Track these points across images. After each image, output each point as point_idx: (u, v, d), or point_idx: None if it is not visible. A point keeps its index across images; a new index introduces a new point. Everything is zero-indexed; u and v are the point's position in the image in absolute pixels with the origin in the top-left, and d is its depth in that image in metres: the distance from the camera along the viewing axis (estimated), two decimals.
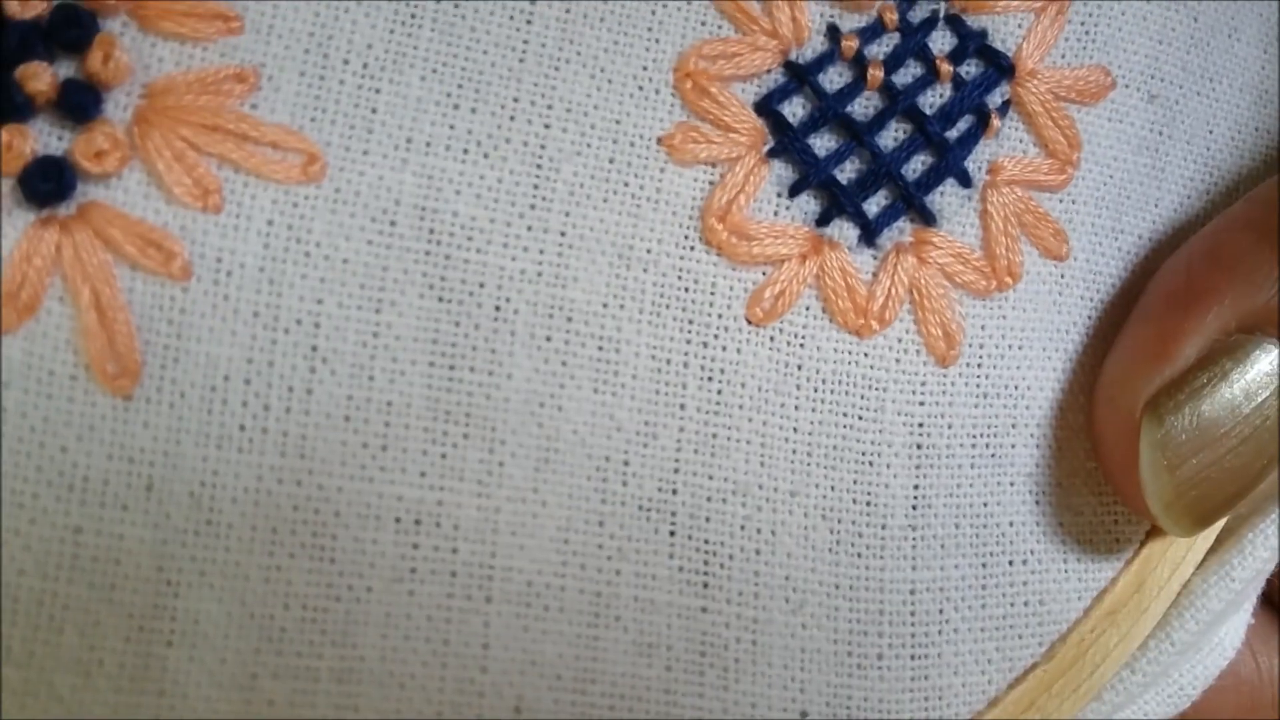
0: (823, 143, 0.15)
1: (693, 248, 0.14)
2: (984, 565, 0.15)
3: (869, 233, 0.15)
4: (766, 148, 0.15)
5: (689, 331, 0.14)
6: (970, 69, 0.15)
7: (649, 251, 0.14)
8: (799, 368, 0.14)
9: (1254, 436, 0.14)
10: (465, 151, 0.14)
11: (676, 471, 0.14)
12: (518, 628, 0.13)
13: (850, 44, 0.15)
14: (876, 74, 0.15)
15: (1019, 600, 0.15)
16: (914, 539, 0.15)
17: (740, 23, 0.15)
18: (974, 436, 0.15)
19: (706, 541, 0.14)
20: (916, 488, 0.15)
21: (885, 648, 0.14)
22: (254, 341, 0.13)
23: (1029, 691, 0.15)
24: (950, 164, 0.15)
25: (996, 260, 0.15)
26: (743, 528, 0.14)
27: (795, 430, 0.14)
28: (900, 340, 0.15)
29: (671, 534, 0.14)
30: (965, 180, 0.15)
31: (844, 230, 0.15)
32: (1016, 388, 0.15)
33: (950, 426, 0.15)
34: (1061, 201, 0.16)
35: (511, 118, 0.14)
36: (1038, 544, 0.15)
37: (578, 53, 0.14)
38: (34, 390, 0.12)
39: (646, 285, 0.14)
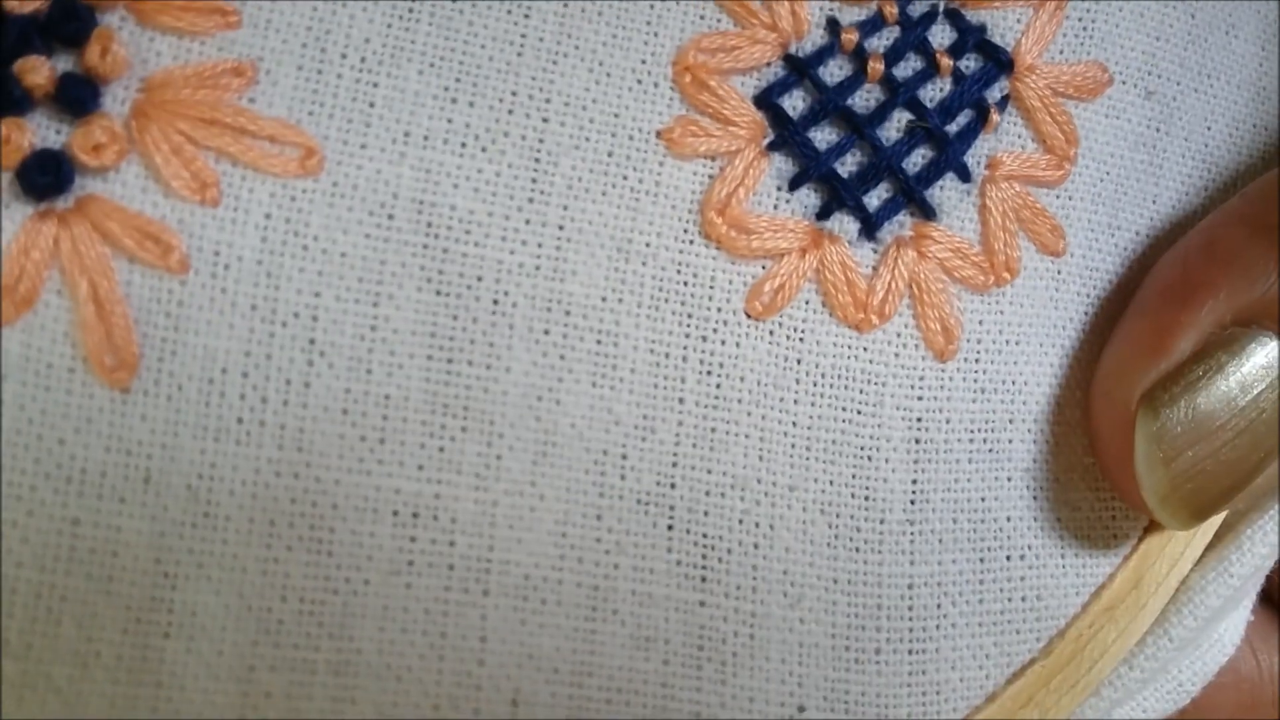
0: (823, 136, 0.15)
1: (692, 241, 0.14)
2: (982, 560, 0.15)
3: (869, 226, 0.15)
4: (766, 141, 0.15)
5: (688, 325, 0.14)
6: (969, 64, 0.15)
7: (648, 245, 0.14)
8: (798, 362, 0.14)
9: (1250, 429, 0.14)
10: (463, 145, 0.14)
11: (675, 465, 0.14)
12: (515, 621, 0.13)
13: (850, 37, 0.15)
14: (877, 67, 0.15)
15: (1016, 595, 0.15)
16: (912, 534, 0.15)
17: (739, 16, 0.15)
18: (972, 431, 0.15)
19: (705, 535, 0.14)
20: (915, 482, 0.15)
21: (883, 642, 0.14)
22: (252, 334, 0.13)
23: (1027, 687, 0.15)
24: (950, 158, 0.15)
25: (995, 255, 0.15)
26: (741, 522, 0.14)
27: (794, 425, 0.14)
28: (899, 335, 0.15)
29: (670, 528, 0.14)
30: (964, 175, 0.15)
31: (844, 224, 0.15)
32: (1014, 383, 0.15)
33: (948, 421, 0.15)
34: (1059, 197, 0.16)
35: (510, 111, 0.14)
36: (1035, 539, 0.15)
37: (576, 46, 0.14)
38: (32, 383, 0.12)
39: (645, 279, 0.14)
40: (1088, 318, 0.16)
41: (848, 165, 0.15)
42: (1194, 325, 0.14)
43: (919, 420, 0.15)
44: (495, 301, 0.14)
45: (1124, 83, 0.16)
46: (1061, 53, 0.16)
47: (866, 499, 0.14)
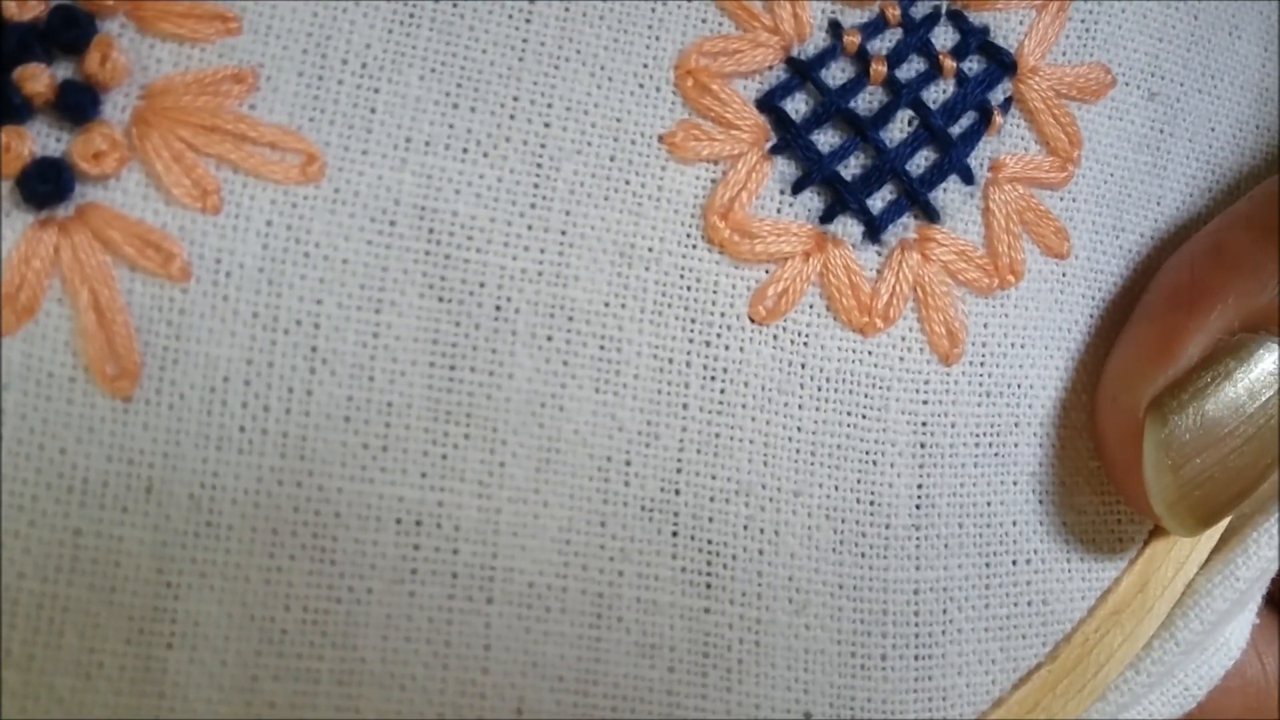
0: (826, 139, 0.15)
1: (695, 246, 0.14)
2: (988, 565, 0.15)
3: (873, 229, 0.15)
4: (769, 144, 0.15)
5: (691, 330, 0.14)
6: (972, 65, 0.15)
7: (650, 250, 0.14)
8: (802, 366, 0.14)
9: (1258, 435, 0.14)
10: (465, 151, 0.14)
11: (679, 471, 0.14)
12: (519, 629, 0.13)
13: (852, 39, 0.15)
14: (880, 69, 0.15)
15: (1023, 600, 0.15)
16: (918, 539, 0.15)
17: (741, 19, 0.15)
18: (977, 435, 0.15)
19: (709, 542, 0.14)
20: (920, 487, 0.15)
21: (889, 648, 0.14)
22: (254, 342, 0.13)
23: (1033, 692, 0.15)
24: (954, 160, 0.15)
25: (999, 258, 0.15)
26: (746, 528, 0.14)
27: (799, 429, 0.14)
28: (904, 338, 0.15)
29: (674, 534, 0.14)
30: (968, 177, 0.15)
31: (848, 227, 0.15)
32: (1019, 386, 0.15)
33: (954, 425, 0.15)
34: (1062, 199, 0.16)
35: (511, 116, 0.14)
36: (1041, 543, 0.15)
37: (577, 51, 0.14)
38: (33, 392, 0.12)
39: (648, 284, 0.14)
40: (1093, 320, 0.16)
41: (851, 168, 0.15)
42: (1202, 330, 0.14)
43: (924, 424, 0.15)
44: (498, 308, 0.13)
45: (1127, 84, 0.16)
46: (1064, 54, 0.16)
47: (872, 504, 0.14)
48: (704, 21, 0.15)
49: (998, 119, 0.15)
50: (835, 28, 0.15)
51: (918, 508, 0.15)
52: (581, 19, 0.14)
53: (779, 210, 0.14)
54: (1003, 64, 0.15)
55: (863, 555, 0.14)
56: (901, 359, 0.15)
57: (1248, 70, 0.17)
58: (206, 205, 0.13)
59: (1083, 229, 0.16)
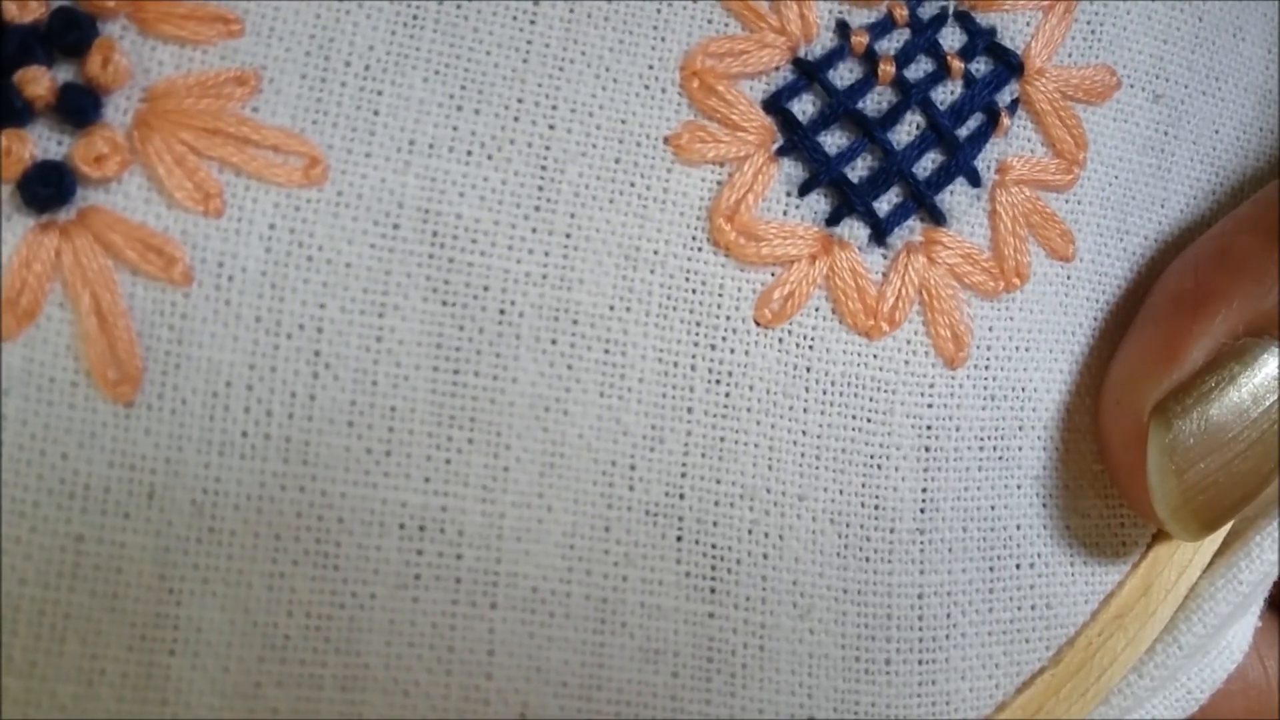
0: (833, 140, 0.15)
1: (700, 249, 0.14)
2: (991, 569, 0.15)
3: (879, 232, 0.15)
4: (775, 146, 0.14)
5: (696, 334, 0.14)
6: (979, 67, 0.15)
7: (655, 253, 0.14)
8: (808, 370, 0.14)
9: (1262, 440, 0.14)
10: (469, 153, 0.14)
11: (684, 476, 0.14)
12: (523, 634, 0.13)
13: (860, 39, 0.15)
14: (888, 69, 0.15)
15: (1026, 604, 0.15)
16: (922, 543, 0.15)
17: (747, 20, 0.15)
18: (981, 439, 0.15)
19: (714, 546, 0.14)
20: (925, 491, 0.15)
21: (893, 652, 0.14)
22: (256, 347, 0.13)
23: (1036, 696, 0.15)
24: (961, 162, 0.15)
25: (1005, 261, 0.15)
26: (750, 532, 0.14)
27: (804, 433, 0.14)
28: (909, 342, 0.15)
29: (678, 539, 0.14)
30: (975, 179, 0.15)
31: (854, 230, 0.15)
32: (1024, 390, 0.15)
33: (958, 429, 0.15)
34: (1067, 202, 0.16)
35: (515, 119, 0.14)
36: (1045, 547, 0.15)
37: (582, 52, 0.14)
38: (34, 397, 0.12)
39: (653, 287, 0.14)
40: (1097, 323, 0.16)
41: (858, 170, 0.15)
42: (1206, 335, 0.14)
43: (929, 428, 0.15)
44: (502, 311, 0.13)
45: (1132, 86, 0.16)
46: (1070, 56, 0.16)
47: (876, 508, 0.14)
48: (710, 22, 0.15)
49: (1005, 121, 0.15)
50: (843, 28, 0.15)
51: (922, 511, 0.15)
52: (586, 20, 0.14)
53: (785, 212, 0.14)
54: (1010, 65, 0.15)
55: (867, 559, 0.14)
56: (907, 362, 0.15)
57: (1252, 73, 0.17)
58: (209, 209, 0.13)
59: (1087, 232, 0.16)
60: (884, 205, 0.15)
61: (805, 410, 0.14)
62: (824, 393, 0.14)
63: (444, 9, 0.14)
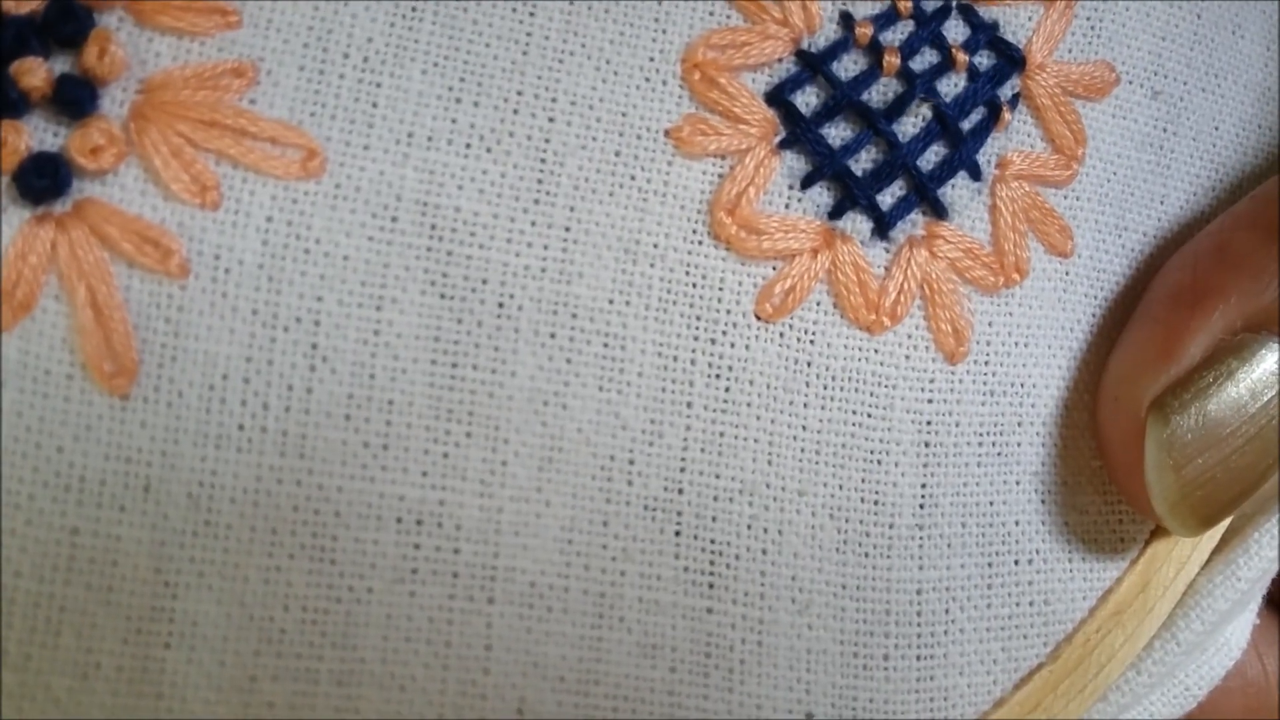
0: (836, 133, 0.15)
1: (701, 242, 0.14)
2: (990, 565, 0.15)
3: (882, 226, 0.15)
4: (778, 139, 0.14)
5: (696, 328, 0.14)
6: (982, 60, 0.15)
7: (656, 246, 0.14)
8: (808, 365, 0.14)
9: (1260, 435, 0.14)
10: (468, 146, 0.14)
11: (683, 470, 0.14)
12: (520, 629, 0.13)
13: (865, 31, 0.15)
14: (893, 60, 0.15)
15: (1024, 600, 0.15)
16: (921, 538, 0.14)
17: (750, 12, 0.15)
18: (981, 435, 0.15)
19: (712, 541, 0.14)
20: (924, 486, 0.15)
21: (891, 648, 0.14)
22: (253, 340, 0.13)
23: (1035, 692, 0.15)
24: (963, 156, 0.15)
25: (1005, 256, 0.15)
26: (749, 527, 0.14)
27: (804, 428, 0.14)
28: (910, 337, 0.15)
29: (677, 534, 0.14)
30: (976, 173, 0.15)
31: (857, 223, 0.15)
32: (1023, 385, 0.15)
33: (958, 424, 0.15)
34: (1066, 197, 0.16)
35: (515, 111, 0.14)
36: (1043, 543, 0.15)
37: (582, 44, 0.14)
38: (30, 389, 0.12)
39: (653, 281, 0.14)
40: (1095, 319, 0.16)
41: (861, 163, 0.15)
42: (1204, 330, 0.14)
43: (929, 423, 0.15)
44: (500, 305, 0.13)
45: (1131, 82, 0.16)
46: (1070, 52, 0.16)
47: (876, 503, 0.14)
48: (711, 14, 0.14)
49: (1006, 115, 0.15)
50: (846, 20, 0.15)
51: (921, 507, 0.15)
52: (586, 12, 0.14)
53: (787, 206, 0.14)
54: (1012, 60, 0.15)
55: (866, 555, 0.14)
56: (907, 358, 0.15)
57: (1251, 69, 0.17)
58: (205, 201, 0.13)
59: (1086, 227, 0.16)
60: (887, 198, 0.15)
61: (805, 405, 0.14)
62: (824, 388, 0.14)
63: (443, 1, 0.14)
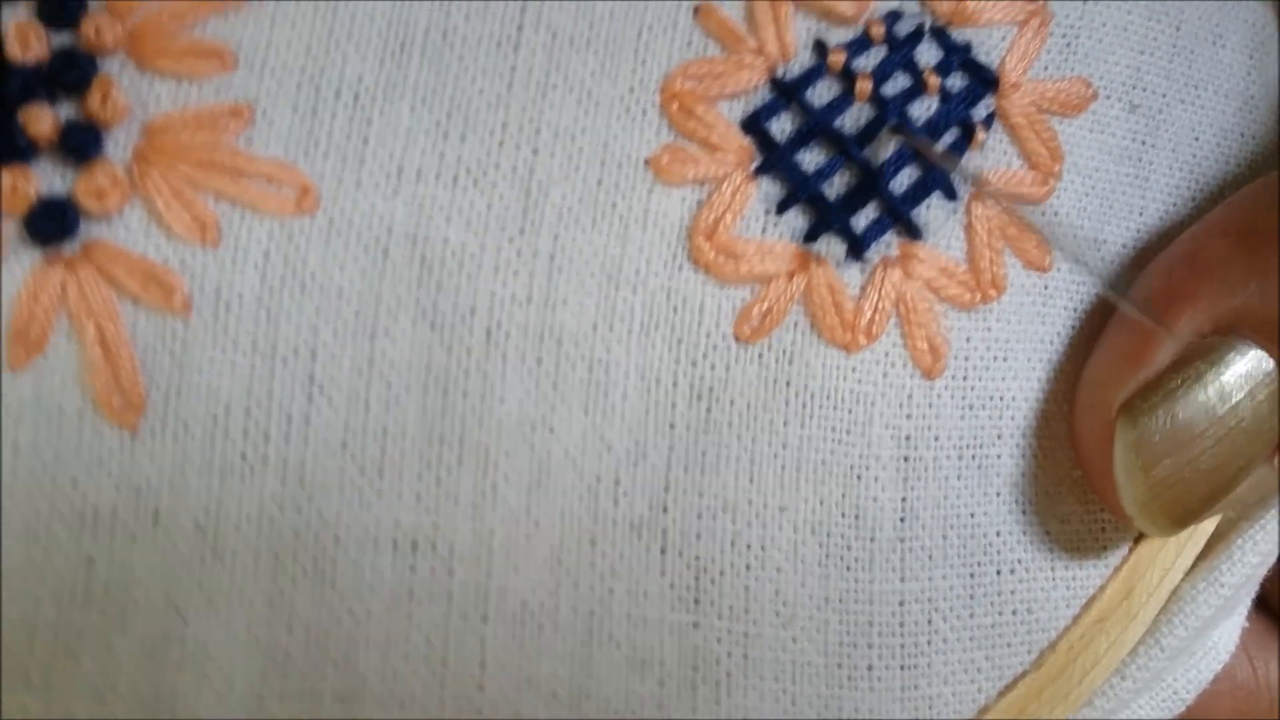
0: (811, 158, 0.15)
1: (681, 268, 0.14)
2: (972, 575, 0.15)
3: (856, 248, 0.15)
4: (754, 165, 0.15)
5: (678, 351, 0.14)
6: (955, 82, 0.16)
7: (637, 273, 0.14)
8: (787, 384, 0.15)
9: (1228, 438, 0.14)
10: (455, 179, 0.14)
11: (667, 490, 0.14)
12: (514, 647, 0.14)
13: (838, 58, 0.15)
14: (865, 85, 0.15)
15: (1007, 609, 0.15)
16: (902, 551, 0.15)
17: (726, 42, 0.15)
18: (960, 448, 0.15)
19: (697, 558, 0.14)
20: (904, 500, 0.15)
21: (875, 659, 0.15)
22: (253, 372, 0.13)
23: (1019, 699, 0.15)
24: (937, 177, 0.15)
25: (981, 273, 0.15)
26: (732, 544, 0.14)
27: (784, 446, 0.14)
28: (887, 354, 0.15)
29: (663, 551, 0.14)
30: (951, 193, 0.15)
31: (831, 246, 0.15)
32: (1002, 398, 0.15)
33: (937, 439, 0.15)
34: (1044, 214, 0.16)
35: (500, 144, 0.14)
36: (1025, 553, 0.16)
37: (565, 78, 0.14)
38: (45, 426, 0.13)
39: (635, 306, 0.14)
40: (1074, 332, 0.16)
41: (835, 187, 0.15)
42: (1173, 335, 0.14)
43: (908, 438, 0.15)
44: (489, 333, 0.14)
45: (1108, 97, 0.16)
46: (1046, 69, 0.16)
47: (856, 518, 0.15)
48: (689, 45, 0.15)
49: (980, 135, 0.15)
50: (820, 47, 0.15)
51: (902, 520, 0.15)
52: (569, 46, 0.14)
53: (764, 230, 0.15)
54: (985, 81, 0.16)
55: (848, 568, 0.15)
56: (885, 375, 0.15)
57: (1232, 79, 0.17)
58: (206, 239, 0.13)
59: (1065, 241, 0.16)
60: (861, 221, 0.15)
61: (785, 423, 0.14)
62: (803, 406, 0.15)
63: (430, 38, 0.14)
